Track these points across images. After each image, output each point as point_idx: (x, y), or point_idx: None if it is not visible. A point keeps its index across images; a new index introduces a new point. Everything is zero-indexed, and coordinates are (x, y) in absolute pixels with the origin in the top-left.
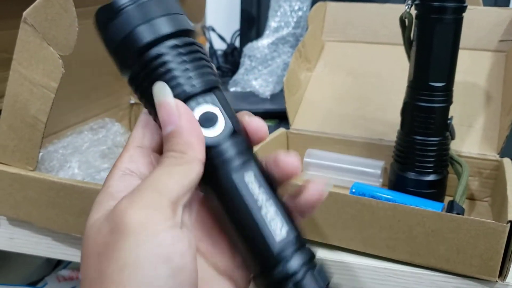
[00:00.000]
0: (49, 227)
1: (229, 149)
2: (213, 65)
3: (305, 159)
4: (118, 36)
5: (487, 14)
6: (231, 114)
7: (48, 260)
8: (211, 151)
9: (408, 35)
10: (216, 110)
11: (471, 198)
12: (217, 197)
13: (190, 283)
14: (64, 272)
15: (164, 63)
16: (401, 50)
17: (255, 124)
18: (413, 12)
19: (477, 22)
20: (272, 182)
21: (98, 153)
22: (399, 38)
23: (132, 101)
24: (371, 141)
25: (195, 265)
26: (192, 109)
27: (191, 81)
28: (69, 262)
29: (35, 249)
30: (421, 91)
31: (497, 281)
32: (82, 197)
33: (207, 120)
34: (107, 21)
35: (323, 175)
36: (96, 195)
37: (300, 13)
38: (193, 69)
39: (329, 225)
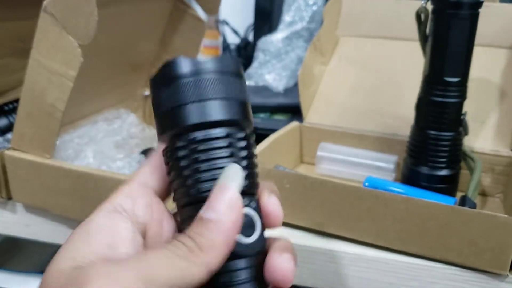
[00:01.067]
0: (64, 215)
1: (248, 271)
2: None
3: (318, 153)
4: (166, 105)
5: (503, 11)
6: (262, 228)
7: None
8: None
9: (424, 30)
10: (256, 218)
11: (483, 194)
12: None
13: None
14: None
15: (215, 148)
16: (415, 45)
17: (271, 207)
18: (429, 7)
19: (493, 19)
20: None
21: (112, 143)
22: (414, 34)
23: (147, 93)
24: (385, 136)
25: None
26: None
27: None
28: None
29: (50, 236)
30: (436, 86)
31: (507, 275)
32: (98, 185)
33: (245, 227)
34: (161, 84)
35: (336, 168)
36: (111, 184)
37: (314, 7)
38: (245, 166)
39: (342, 217)
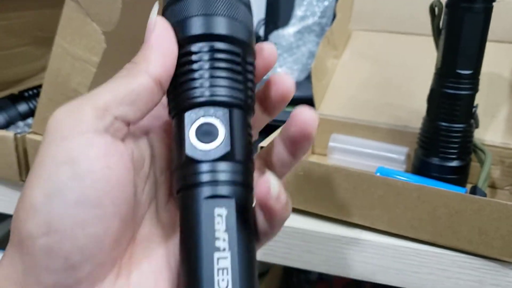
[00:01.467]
0: None
1: (213, 173)
2: (253, 86)
3: (330, 144)
4: (170, 20)
5: None
6: (238, 139)
7: None
8: (195, 163)
9: (437, 23)
10: (220, 126)
11: (493, 187)
12: (180, 213)
13: (100, 189)
14: None
15: (191, 62)
16: (428, 40)
17: (267, 51)
18: (443, 0)
19: (505, 15)
20: (251, 235)
21: None
22: (427, 29)
23: None
24: (396, 128)
25: (115, 178)
26: (197, 117)
27: (207, 90)
28: None
29: None
30: (449, 78)
31: None
32: None
33: (205, 133)
34: (170, 3)
35: (347, 159)
36: None
37: (326, 3)
38: (220, 79)
39: (355, 205)
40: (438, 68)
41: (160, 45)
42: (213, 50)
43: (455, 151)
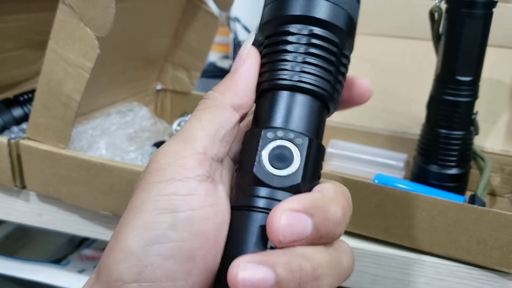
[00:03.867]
0: (77, 204)
1: (276, 203)
2: (341, 88)
3: (328, 150)
4: None
5: None
6: (310, 172)
7: (72, 239)
8: (259, 185)
9: (437, 29)
10: (296, 154)
11: (492, 194)
12: (233, 228)
13: (196, 243)
14: (87, 251)
15: (287, 42)
16: (427, 45)
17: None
18: (443, 6)
19: (505, 20)
20: None
21: (125, 136)
22: (426, 33)
23: (159, 87)
24: (395, 134)
25: (212, 229)
26: (274, 137)
27: (301, 75)
28: (92, 242)
29: (63, 225)
30: (448, 84)
31: None
32: (112, 176)
33: (279, 157)
34: None
35: (345, 165)
36: (125, 174)
37: None
38: (320, 70)
39: (352, 213)
40: (437, 74)
41: (247, 79)
42: (315, 36)
43: (455, 158)
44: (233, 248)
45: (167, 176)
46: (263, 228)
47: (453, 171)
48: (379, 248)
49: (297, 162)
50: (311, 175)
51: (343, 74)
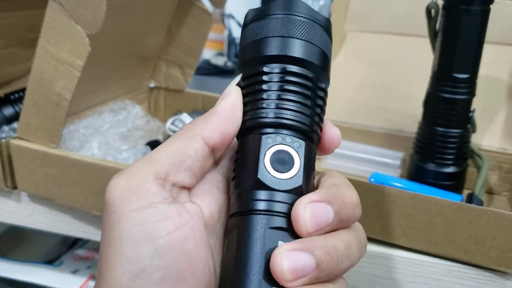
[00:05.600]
0: (69, 205)
1: (283, 205)
2: (321, 119)
3: None
4: (250, 37)
5: None
6: (309, 174)
7: (64, 239)
8: (265, 189)
9: (434, 25)
10: (296, 157)
11: (490, 192)
12: (240, 234)
13: (182, 264)
14: (80, 252)
15: (262, 82)
16: (424, 42)
17: (332, 133)
18: (440, 2)
19: (503, 17)
20: None
21: (117, 135)
22: (423, 30)
23: (152, 85)
24: (391, 132)
25: (194, 246)
26: (274, 143)
27: (281, 112)
28: (85, 242)
29: (54, 226)
30: (445, 82)
31: None
32: (103, 176)
33: (280, 161)
34: (251, 20)
35: (342, 164)
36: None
37: (321, 2)
38: (298, 105)
39: None
40: (434, 71)
41: (224, 115)
42: (290, 74)
43: (452, 156)
44: (245, 253)
45: (133, 204)
46: (273, 230)
47: (450, 169)
48: (376, 248)
49: (297, 165)
50: (310, 176)
51: (321, 107)
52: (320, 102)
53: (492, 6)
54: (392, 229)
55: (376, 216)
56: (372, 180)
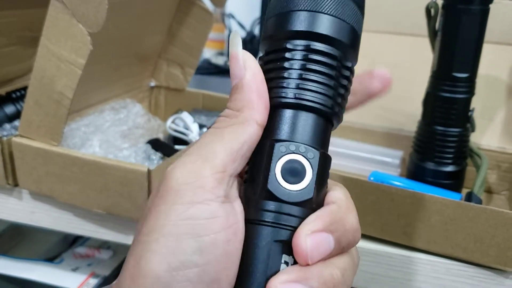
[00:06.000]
0: (70, 202)
1: (290, 218)
2: (345, 101)
3: None
4: (275, 10)
5: (511, 8)
6: (321, 187)
7: (65, 237)
8: (273, 200)
9: (433, 25)
10: (308, 168)
11: (489, 191)
12: (244, 243)
13: (220, 265)
14: (81, 249)
15: (284, 59)
16: (423, 41)
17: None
18: (439, 2)
19: (502, 16)
20: None
21: (118, 133)
22: (422, 29)
23: (153, 84)
24: (391, 131)
25: (234, 250)
26: (286, 151)
27: (301, 93)
28: (86, 240)
29: (56, 224)
30: (444, 81)
31: None
32: (105, 173)
33: (291, 172)
34: None
35: (341, 163)
36: (118, 172)
37: None
38: (316, 85)
39: None
40: (433, 71)
41: (257, 87)
42: (314, 52)
43: (451, 155)
44: (249, 263)
45: (186, 198)
46: (277, 243)
47: (450, 168)
48: (376, 246)
49: (309, 176)
50: (321, 187)
51: (346, 87)
52: (345, 82)
53: (491, 6)
54: (391, 227)
55: (376, 215)
56: (372, 178)
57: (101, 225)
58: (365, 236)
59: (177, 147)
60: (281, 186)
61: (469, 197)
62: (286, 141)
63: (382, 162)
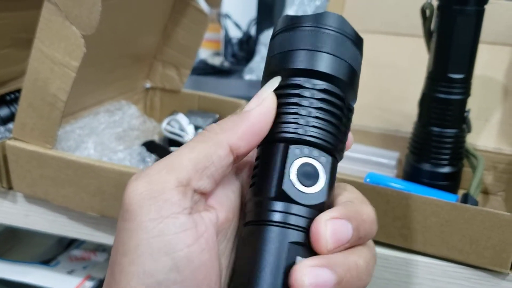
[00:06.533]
0: (65, 205)
1: (305, 220)
2: (346, 134)
3: None
4: (279, 48)
5: (507, 8)
6: (332, 190)
7: (61, 240)
8: (288, 202)
9: (429, 26)
10: (322, 172)
11: (485, 192)
12: (253, 255)
13: (199, 277)
14: (76, 252)
15: (298, 96)
16: (419, 42)
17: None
18: (435, 3)
19: (497, 16)
20: None
21: (113, 135)
22: (418, 30)
23: (148, 85)
24: (387, 132)
25: (208, 258)
26: (301, 155)
27: (312, 130)
28: (81, 242)
29: (50, 227)
30: (440, 82)
31: (509, 273)
32: (99, 176)
33: (306, 175)
34: (282, 30)
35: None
36: (113, 175)
37: (318, 2)
38: (328, 124)
39: None
40: (429, 72)
41: (257, 123)
42: (322, 91)
43: (447, 156)
44: (264, 263)
45: (152, 214)
46: (292, 245)
47: (446, 169)
48: None
49: (322, 180)
50: (332, 191)
51: (348, 126)
52: (348, 122)
53: (486, 6)
54: (387, 229)
55: None
56: (368, 180)
57: (96, 228)
58: None
59: (172, 149)
60: (296, 188)
61: (465, 199)
62: (300, 144)
63: (378, 163)
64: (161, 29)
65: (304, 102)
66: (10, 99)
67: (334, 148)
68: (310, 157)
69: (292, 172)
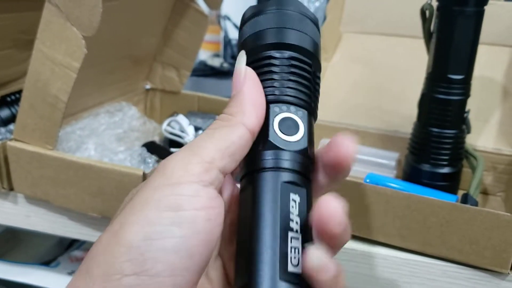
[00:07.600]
0: (65, 206)
1: (293, 163)
2: (317, 97)
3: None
4: (250, 30)
5: (507, 10)
6: (311, 139)
7: (61, 241)
8: (276, 150)
9: (428, 26)
10: (301, 123)
11: (485, 193)
12: (252, 198)
13: (197, 241)
14: (77, 253)
15: (272, 65)
16: (419, 42)
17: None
18: (434, 4)
19: (497, 17)
20: (310, 228)
21: (114, 136)
22: (418, 31)
23: (148, 87)
24: (386, 133)
25: (210, 230)
26: (280, 111)
27: (287, 90)
28: (82, 243)
29: (51, 227)
30: (440, 83)
31: (508, 273)
32: (100, 177)
33: (287, 127)
34: (250, 17)
35: None
36: (114, 176)
37: (317, 3)
38: (295, 85)
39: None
40: (429, 72)
41: (252, 97)
42: (291, 58)
43: (447, 157)
44: (262, 202)
45: (173, 179)
46: (284, 184)
47: (445, 170)
48: (371, 248)
49: (301, 129)
50: (312, 141)
51: (317, 90)
52: (317, 87)
53: (486, 7)
54: (387, 229)
55: (371, 217)
56: (368, 181)
57: (97, 229)
58: (360, 238)
59: (172, 150)
60: (280, 137)
61: (465, 199)
62: (279, 103)
63: (378, 164)
64: (161, 30)
65: (277, 69)
66: (11, 100)
67: (308, 105)
68: (289, 112)
69: (275, 126)
